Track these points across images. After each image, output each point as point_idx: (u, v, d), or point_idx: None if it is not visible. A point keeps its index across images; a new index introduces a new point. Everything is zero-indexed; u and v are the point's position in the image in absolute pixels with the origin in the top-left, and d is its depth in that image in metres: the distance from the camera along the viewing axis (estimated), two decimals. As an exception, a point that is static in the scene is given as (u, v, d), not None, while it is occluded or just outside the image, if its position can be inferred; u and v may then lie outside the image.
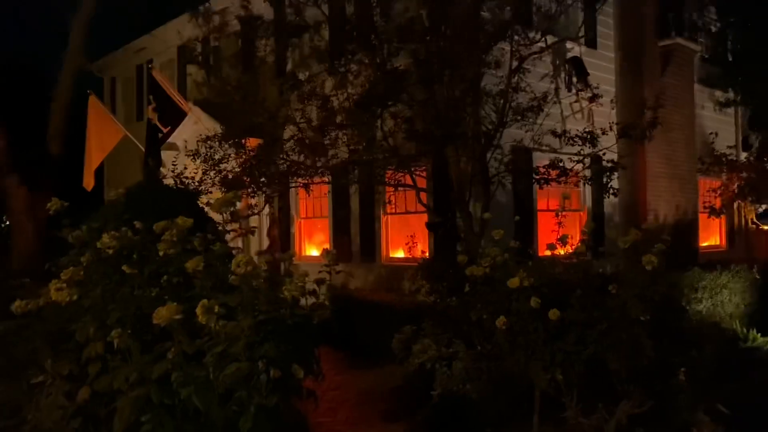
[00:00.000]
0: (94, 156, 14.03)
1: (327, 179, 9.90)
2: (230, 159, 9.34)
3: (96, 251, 2.83)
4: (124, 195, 8.20)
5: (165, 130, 11.93)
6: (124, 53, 18.89)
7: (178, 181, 8.84)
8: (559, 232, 4.80)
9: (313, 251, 12.82)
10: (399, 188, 9.31)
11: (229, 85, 8.95)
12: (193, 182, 8.80)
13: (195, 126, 12.61)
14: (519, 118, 7.87)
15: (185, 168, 9.19)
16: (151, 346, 2.49)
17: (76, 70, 18.31)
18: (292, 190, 11.36)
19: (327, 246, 12.43)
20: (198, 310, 2.39)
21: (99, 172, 20.93)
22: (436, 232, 8.83)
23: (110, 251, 2.85)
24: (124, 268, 2.82)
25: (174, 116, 11.92)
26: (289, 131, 8.55)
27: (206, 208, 8.84)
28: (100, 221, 7.92)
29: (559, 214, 5.43)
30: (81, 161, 20.83)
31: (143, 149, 15.48)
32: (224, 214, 3.66)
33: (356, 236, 11.54)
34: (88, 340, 2.49)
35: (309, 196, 10.95)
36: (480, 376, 5.22)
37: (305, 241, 13.02)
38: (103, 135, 14.03)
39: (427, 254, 10.13)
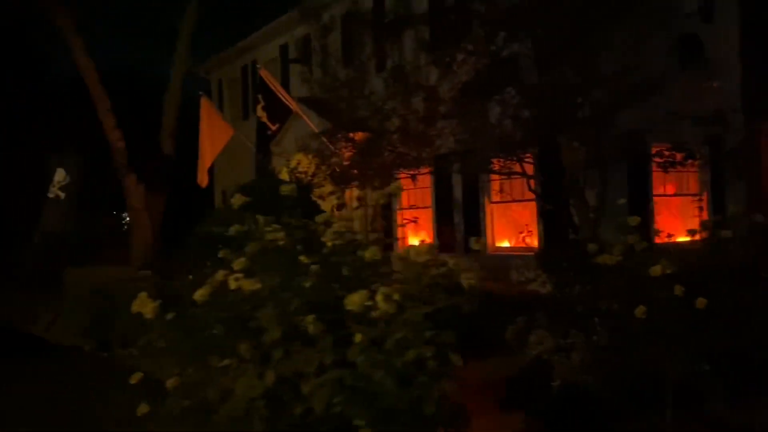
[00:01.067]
0: (207, 155, 14.76)
1: (430, 169, 9.92)
2: (339, 153, 9.55)
3: (267, 242, 2.99)
4: (240, 190, 8.61)
5: (273, 128, 12.37)
6: (229, 55, 19.72)
7: (292, 176, 9.15)
8: (700, 216, 4.57)
9: (416, 242, 12.93)
10: (508, 176, 9.18)
11: (334, 81, 9.13)
12: (306, 176, 9.08)
13: (300, 123, 13.00)
14: (635, 100, 7.54)
15: (298, 163, 9.50)
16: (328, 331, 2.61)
17: (185, 73, 19.32)
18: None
19: (428, 237, 12.55)
20: (378, 297, 2.48)
21: (209, 170, 22.05)
22: (549, 221, 8.64)
23: (281, 243, 3.00)
24: (301, 258, 2.95)
25: (281, 114, 12.33)
26: (394, 123, 8.63)
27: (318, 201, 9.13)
28: (223, 215, 8.33)
29: (697, 198, 5.17)
30: (189, 160, 22.01)
31: (251, 147, 16.19)
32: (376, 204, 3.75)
33: (460, 225, 11.50)
34: (268, 326, 2.63)
35: (414, 186, 11.03)
36: (601, 367, 5.08)
37: (408, 232, 13.13)
38: (215, 134, 14.74)
39: (536, 243, 9.95)
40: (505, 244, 10.78)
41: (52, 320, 11.07)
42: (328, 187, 9.30)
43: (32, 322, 10.88)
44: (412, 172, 9.46)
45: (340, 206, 10.33)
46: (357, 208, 9.84)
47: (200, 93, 15.63)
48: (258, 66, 13.08)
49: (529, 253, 9.01)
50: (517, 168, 8.78)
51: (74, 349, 9.84)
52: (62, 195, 10.18)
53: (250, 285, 2.79)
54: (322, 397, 2.35)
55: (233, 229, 3.31)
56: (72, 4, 16.57)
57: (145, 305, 2.92)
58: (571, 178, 7.70)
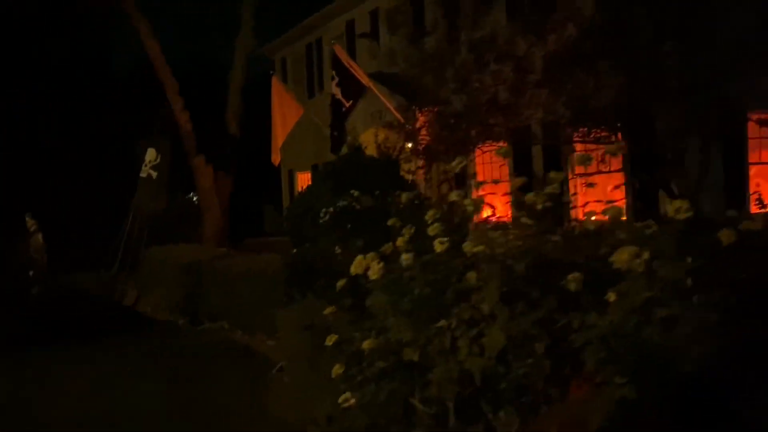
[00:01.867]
0: (279, 134, 14.95)
1: (513, 142, 9.79)
2: (418, 129, 9.51)
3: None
4: (332, 167, 8.71)
5: (347, 104, 12.41)
6: (292, 34, 19.82)
7: (380, 152, 9.18)
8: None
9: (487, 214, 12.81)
10: (598, 145, 8.98)
11: (422, 54, 9.03)
12: (393, 152, 9.10)
13: (368, 99, 13.02)
14: (736, 68, 7.23)
15: (386, 138, 9.52)
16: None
17: (248, 53, 19.55)
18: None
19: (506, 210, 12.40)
20: (622, 257, 2.51)
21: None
22: (640, 192, 8.44)
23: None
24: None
25: (355, 90, 12.35)
26: (482, 95, 8.52)
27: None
28: (315, 193, 8.43)
29: None
30: (254, 140, 22.30)
31: (320, 125, 16.32)
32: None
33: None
34: (487, 288, 2.67)
35: (491, 161, 10.91)
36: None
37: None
38: (285, 113, 14.91)
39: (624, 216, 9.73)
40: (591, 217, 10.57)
41: (137, 296, 11.51)
42: (416, 162, 9.31)
43: (120, 299, 11.32)
44: (492, 146, 9.37)
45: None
46: (443, 182, 9.86)
47: (271, 72, 15.83)
48: (332, 41, 13.10)
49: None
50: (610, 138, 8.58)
51: (171, 324, 10.22)
52: (154, 174, 10.50)
53: (471, 247, 2.81)
54: (593, 352, 2.41)
55: (404, 196, 3.35)
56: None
57: (372, 267, 2.95)
58: (672, 148, 7.48)
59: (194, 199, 18.64)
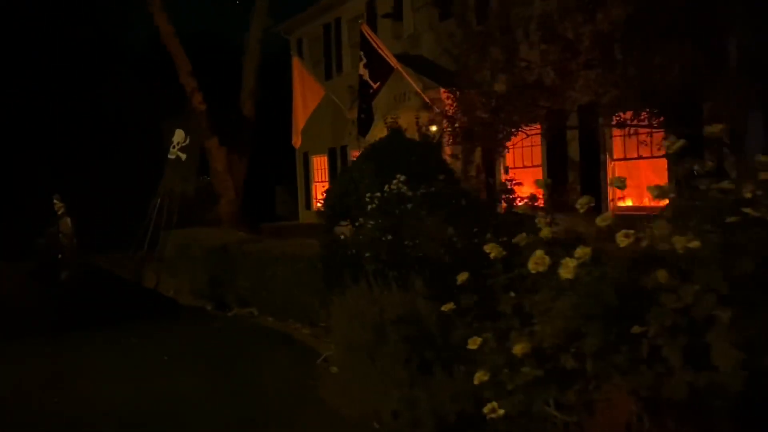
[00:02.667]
0: (300, 115, 14.62)
1: (549, 125, 9.50)
2: (449, 112, 9.19)
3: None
4: (372, 150, 8.42)
5: (375, 86, 12.07)
6: (309, 14, 19.40)
7: (421, 135, 8.89)
8: None
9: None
10: (633, 130, 8.70)
11: (457, 33, 8.66)
12: (434, 135, 8.82)
13: (396, 82, 12.69)
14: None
15: (429, 121, 9.23)
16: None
17: (263, 33, 19.19)
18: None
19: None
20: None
21: (288, 129, 22.09)
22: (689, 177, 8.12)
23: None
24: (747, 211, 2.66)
25: (383, 72, 12.00)
26: (528, 77, 8.21)
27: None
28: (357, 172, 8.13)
29: None
30: (270, 122, 21.94)
31: (343, 107, 15.99)
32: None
33: (575, 185, 11.06)
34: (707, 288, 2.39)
35: (522, 145, 10.61)
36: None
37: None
38: (307, 95, 14.56)
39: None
40: (628, 203, 10.33)
41: (157, 280, 11.25)
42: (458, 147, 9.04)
43: (149, 282, 11.07)
44: (534, 129, 9.09)
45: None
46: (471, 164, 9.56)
47: (292, 53, 15.47)
48: (360, 21, 12.74)
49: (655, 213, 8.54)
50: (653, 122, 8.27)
51: (198, 309, 9.98)
52: (183, 156, 10.22)
53: (684, 242, 2.49)
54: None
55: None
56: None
57: (565, 265, 2.58)
58: (730, 130, 7.17)
59: (208, 181, 18.36)
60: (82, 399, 5.55)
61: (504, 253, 3.09)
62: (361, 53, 12.11)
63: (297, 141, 14.75)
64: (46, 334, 7.57)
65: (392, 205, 6.43)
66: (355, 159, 8.29)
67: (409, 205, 6.45)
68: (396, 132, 8.35)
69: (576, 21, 7.50)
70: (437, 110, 12.68)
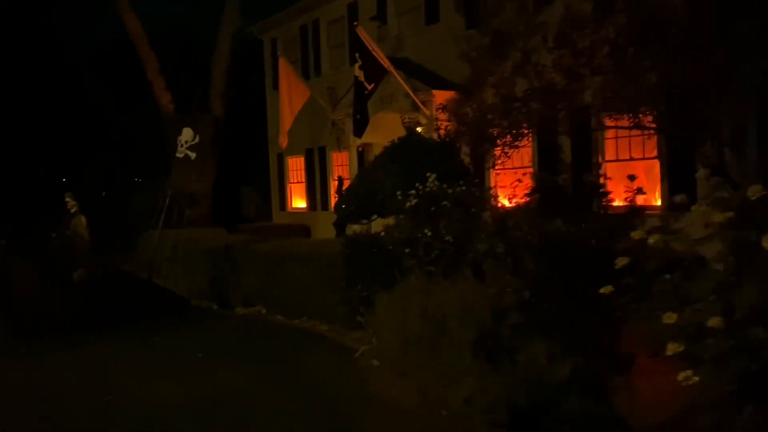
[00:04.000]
0: (287, 116, 14.63)
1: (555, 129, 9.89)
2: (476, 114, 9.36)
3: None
4: (393, 149, 8.59)
5: (369, 87, 12.24)
6: (286, 14, 19.36)
7: (439, 134, 9.11)
8: None
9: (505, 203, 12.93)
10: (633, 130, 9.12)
11: (472, 36, 8.87)
12: (447, 135, 9.04)
13: (385, 83, 12.87)
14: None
15: (445, 121, 9.44)
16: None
17: (233, 33, 19.08)
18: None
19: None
20: None
21: (254, 128, 21.88)
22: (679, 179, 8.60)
23: None
24: None
25: (377, 74, 12.19)
26: (534, 80, 8.52)
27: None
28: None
29: None
30: (235, 120, 21.71)
31: (327, 108, 16.07)
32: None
33: (567, 184, 11.49)
34: None
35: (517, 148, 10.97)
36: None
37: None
38: (293, 95, 14.59)
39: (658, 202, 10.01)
40: (617, 203, 10.83)
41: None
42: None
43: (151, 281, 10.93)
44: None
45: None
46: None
47: (279, 53, 15.46)
48: (355, 24, 12.85)
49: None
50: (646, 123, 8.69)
51: (205, 309, 9.94)
52: (192, 155, 10.12)
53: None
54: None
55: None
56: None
57: None
58: (727, 134, 7.65)
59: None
60: (140, 397, 5.54)
61: (663, 239, 3.34)
62: (357, 55, 12.27)
63: (284, 141, 14.75)
64: (69, 333, 7.46)
65: (430, 203, 6.65)
66: (375, 158, 8.44)
67: (445, 203, 6.67)
68: (412, 132, 8.55)
69: (586, 30, 7.87)
70: (428, 112, 12.98)
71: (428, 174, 7.06)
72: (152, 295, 8.90)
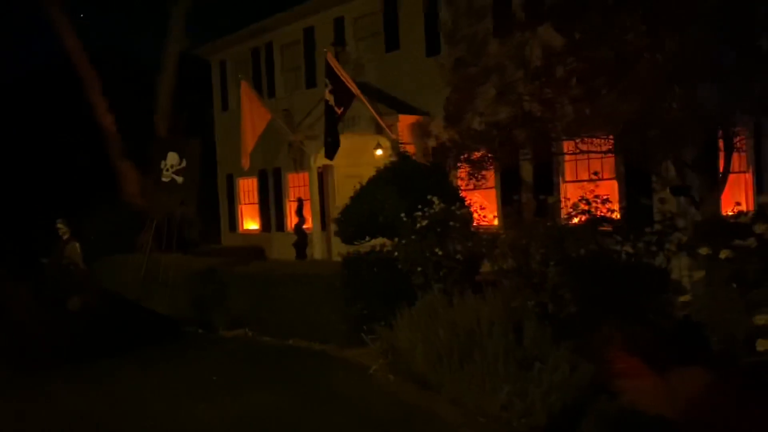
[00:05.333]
0: (249, 138, 14.74)
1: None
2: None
3: None
4: (389, 172, 8.97)
5: (339, 111, 12.62)
6: (237, 37, 19.43)
7: (427, 158, 9.56)
8: None
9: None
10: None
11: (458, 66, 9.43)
12: (430, 159, 9.52)
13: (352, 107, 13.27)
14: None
15: (408, 144, 9.91)
16: None
17: (178, 55, 19.01)
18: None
19: (493, 214, 13.26)
20: None
21: (212, 152, 21.68)
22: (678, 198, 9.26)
23: None
24: None
25: (346, 98, 12.59)
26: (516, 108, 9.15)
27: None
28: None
29: None
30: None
31: (288, 130, 16.27)
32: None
33: (529, 204, 12.23)
34: None
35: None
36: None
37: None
38: (255, 118, 14.73)
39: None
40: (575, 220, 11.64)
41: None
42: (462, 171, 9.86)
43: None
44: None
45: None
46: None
47: (240, 76, 15.54)
48: (324, 50, 13.22)
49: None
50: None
51: (192, 332, 9.91)
52: (179, 179, 10.07)
53: None
54: None
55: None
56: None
57: None
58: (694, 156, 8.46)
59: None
60: (179, 421, 5.63)
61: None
62: (327, 80, 12.64)
63: (246, 163, 14.82)
64: (75, 362, 7.34)
65: (437, 223, 7.08)
66: (369, 181, 8.79)
67: (452, 223, 7.12)
68: (404, 156, 9.00)
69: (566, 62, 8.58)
70: (393, 135, 13.48)
71: (430, 197, 7.51)
72: (146, 320, 8.84)
